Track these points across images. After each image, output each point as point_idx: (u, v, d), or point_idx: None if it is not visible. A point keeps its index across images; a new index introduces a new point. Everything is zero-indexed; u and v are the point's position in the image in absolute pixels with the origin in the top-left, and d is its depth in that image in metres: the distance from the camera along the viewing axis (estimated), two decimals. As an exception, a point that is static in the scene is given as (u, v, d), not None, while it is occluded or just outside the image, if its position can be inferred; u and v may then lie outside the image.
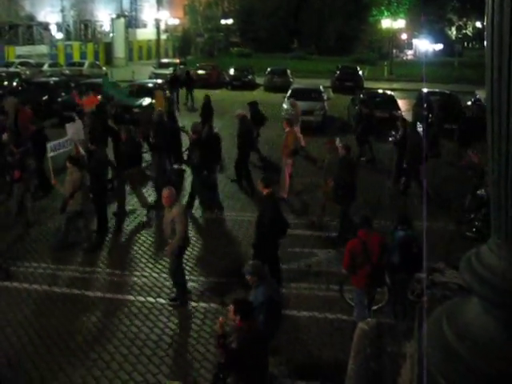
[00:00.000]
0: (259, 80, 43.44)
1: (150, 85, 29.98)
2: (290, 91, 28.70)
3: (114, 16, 64.07)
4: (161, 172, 16.21)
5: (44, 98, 27.19)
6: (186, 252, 11.35)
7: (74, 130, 15.17)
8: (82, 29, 66.71)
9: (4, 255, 12.05)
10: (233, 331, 6.89)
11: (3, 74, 33.83)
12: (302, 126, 22.12)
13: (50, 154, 13.70)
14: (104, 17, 66.29)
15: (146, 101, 26.28)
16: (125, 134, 14.81)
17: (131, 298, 10.61)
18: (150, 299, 10.57)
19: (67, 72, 42.15)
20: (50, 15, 59.71)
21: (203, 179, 14.96)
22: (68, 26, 63.00)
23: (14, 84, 31.84)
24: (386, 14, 64.38)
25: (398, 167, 17.50)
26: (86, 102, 21.67)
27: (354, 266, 9.06)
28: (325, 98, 28.67)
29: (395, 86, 44.59)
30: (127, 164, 14.19)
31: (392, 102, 27.21)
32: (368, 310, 9.23)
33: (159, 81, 32.26)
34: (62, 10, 61.31)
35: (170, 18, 70.70)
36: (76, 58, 53.72)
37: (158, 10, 59.96)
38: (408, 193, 16.73)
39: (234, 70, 44.27)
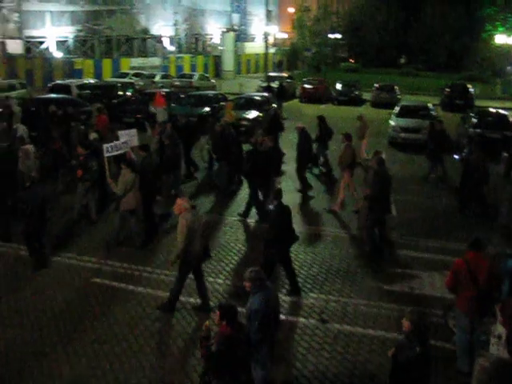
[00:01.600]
0: (366, 95, 43.05)
1: (257, 98, 30.41)
2: (397, 108, 28.23)
3: (223, 30, 65.56)
4: (223, 180, 17.34)
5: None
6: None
7: (129, 137, 15.70)
8: (193, 42, 68.72)
9: (49, 245, 12.87)
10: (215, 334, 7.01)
11: (118, 84, 35.33)
12: (409, 144, 21.69)
13: (106, 155, 14.29)
14: (214, 30, 68.03)
15: (253, 114, 26.69)
16: (167, 139, 15.88)
17: (183, 299, 10.71)
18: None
19: (177, 83, 43.43)
20: (164, 29, 61.91)
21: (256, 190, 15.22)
22: (180, 39, 65.08)
23: (128, 94, 33.16)
24: (500, 29, 62.09)
25: (462, 186, 16.68)
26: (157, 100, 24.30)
27: (458, 286, 8.74)
28: (433, 115, 28.01)
29: (509, 105, 42.88)
30: (168, 168, 15.19)
31: (505, 121, 26.01)
32: (470, 336, 8.80)
33: (266, 94, 32.71)
34: (175, 24, 63.45)
35: (278, 32, 71.55)
36: (186, 70, 55.39)
37: (267, 24, 60.76)
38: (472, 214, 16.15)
39: (341, 84, 44.05)
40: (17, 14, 51.34)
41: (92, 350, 9.21)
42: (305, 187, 17.81)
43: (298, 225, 14.13)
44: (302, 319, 10.38)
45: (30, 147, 16.02)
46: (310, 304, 10.94)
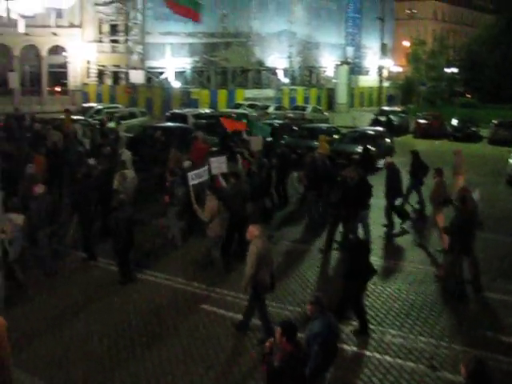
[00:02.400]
0: (483, 132, 41.43)
1: (371, 132, 30.02)
2: (517, 146, 26.98)
3: (337, 63, 65.66)
4: (311, 210, 17.72)
5: (268, 140, 28.38)
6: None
7: (218, 164, 16.05)
8: (307, 74, 69.24)
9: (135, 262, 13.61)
10: (277, 351, 7.21)
11: (233, 115, 36.01)
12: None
13: (191, 183, 14.61)
14: (328, 63, 68.25)
15: (364, 147, 26.24)
16: (256, 167, 16.93)
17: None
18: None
19: (291, 115, 43.68)
20: (278, 61, 62.81)
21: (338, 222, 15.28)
22: (294, 71, 65.76)
23: (242, 124, 33.67)
24: None
25: None
26: (228, 124, 24.68)
27: None
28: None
29: None
30: (257, 196, 15.58)
31: None
32: None
33: (379, 128, 32.25)
34: (289, 57, 64.23)
35: (392, 66, 70.81)
36: (299, 102, 55.74)
37: (381, 57, 60.34)
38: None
39: (457, 120, 42.62)
40: (140, 46, 53.98)
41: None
42: (391, 222, 17.35)
43: (380, 259, 14.24)
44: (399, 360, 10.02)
45: (128, 171, 17.10)
46: (399, 343, 10.48)
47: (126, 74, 54.50)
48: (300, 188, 20.01)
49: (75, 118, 29.98)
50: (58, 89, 54.36)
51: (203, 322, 11.23)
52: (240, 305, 11.56)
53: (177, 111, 36.77)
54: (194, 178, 14.72)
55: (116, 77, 57.32)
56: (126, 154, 19.68)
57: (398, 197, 17.79)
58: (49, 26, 51.16)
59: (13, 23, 38.71)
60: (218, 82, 57.91)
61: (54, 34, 50.10)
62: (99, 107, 39.02)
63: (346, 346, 10.33)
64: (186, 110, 37.04)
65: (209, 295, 12.50)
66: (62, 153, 19.78)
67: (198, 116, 34.67)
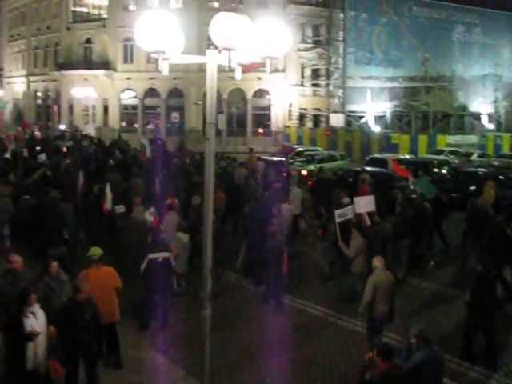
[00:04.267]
0: None
1: None
2: None
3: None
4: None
5: (471, 189, 27.09)
6: None
7: (366, 202, 16.18)
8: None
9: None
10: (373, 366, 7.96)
11: (434, 161, 35.09)
12: None
13: (337, 220, 15.08)
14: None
15: None
16: (399, 207, 17.38)
17: None
18: None
19: (496, 163, 41.59)
20: (482, 106, 60.44)
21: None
22: (499, 116, 62.78)
23: (444, 171, 32.68)
24: None
25: None
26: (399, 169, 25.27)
27: None
28: None
29: None
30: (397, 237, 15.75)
31: None
32: None
33: None
34: (495, 101, 61.56)
35: None
36: (505, 149, 52.82)
37: None
38: None
39: None
40: (341, 90, 55.01)
41: None
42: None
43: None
44: None
45: (286, 206, 17.84)
46: None
47: (327, 117, 55.68)
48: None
49: (275, 159, 31.44)
50: (261, 130, 56.87)
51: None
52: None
53: (376, 156, 36.64)
54: (340, 215, 15.29)
55: (316, 120, 58.71)
56: (297, 192, 20.67)
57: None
58: (256, 71, 53.92)
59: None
60: (419, 127, 56.98)
61: (259, 79, 52.63)
62: (300, 149, 40.12)
63: None
64: (385, 155, 36.76)
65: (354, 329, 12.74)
66: (242, 188, 21.50)
67: (398, 161, 34.16)
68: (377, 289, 10.78)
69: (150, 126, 57.60)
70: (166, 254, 12.52)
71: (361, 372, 8.04)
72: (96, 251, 10.85)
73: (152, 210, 16.16)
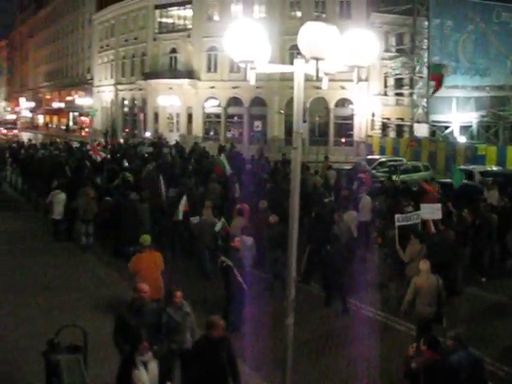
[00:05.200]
0: None
1: None
2: None
3: None
4: None
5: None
6: None
7: (432, 210, 16.18)
8: None
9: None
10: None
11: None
12: None
13: (397, 224, 15.11)
14: None
15: None
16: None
17: None
18: None
19: None
20: None
21: None
22: None
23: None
24: None
25: None
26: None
27: None
28: None
29: None
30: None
31: None
32: None
33: None
34: None
35: None
36: None
37: None
38: None
39: None
40: (425, 100, 53.84)
41: None
42: None
43: None
44: None
45: (351, 213, 18.07)
46: None
47: (410, 127, 54.65)
48: None
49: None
50: (343, 140, 56.47)
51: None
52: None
53: (462, 167, 35.65)
54: (401, 220, 15.31)
55: (399, 130, 57.75)
56: (366, 199, 20.40)
57: None
58: (339, 80, 53.71)
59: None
60: (507, 138, 55.07)
61: (342, 88, 52.23)
62: (383, 159, 39.56)
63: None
64: (471, 167, 35.74)
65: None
66: (310, 196, 21.49)
67: (485, 173, 33.19)
68: (419, 290, 11.29)
69: (229, 135, 58.40)
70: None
71: (406, 363, 8.31)
72: (147, 238, 12.70)
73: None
